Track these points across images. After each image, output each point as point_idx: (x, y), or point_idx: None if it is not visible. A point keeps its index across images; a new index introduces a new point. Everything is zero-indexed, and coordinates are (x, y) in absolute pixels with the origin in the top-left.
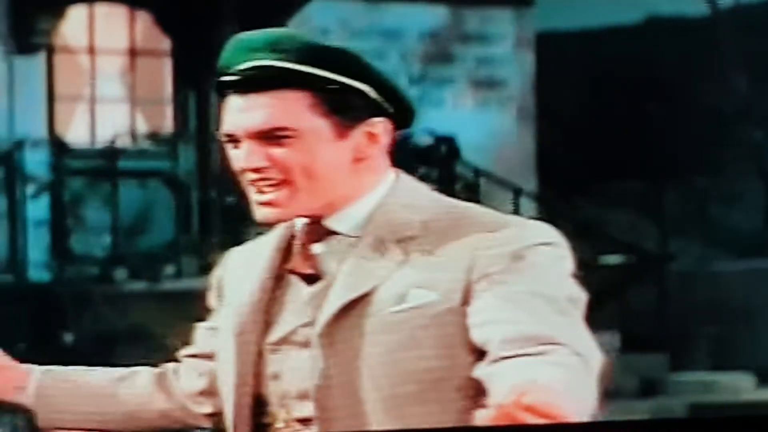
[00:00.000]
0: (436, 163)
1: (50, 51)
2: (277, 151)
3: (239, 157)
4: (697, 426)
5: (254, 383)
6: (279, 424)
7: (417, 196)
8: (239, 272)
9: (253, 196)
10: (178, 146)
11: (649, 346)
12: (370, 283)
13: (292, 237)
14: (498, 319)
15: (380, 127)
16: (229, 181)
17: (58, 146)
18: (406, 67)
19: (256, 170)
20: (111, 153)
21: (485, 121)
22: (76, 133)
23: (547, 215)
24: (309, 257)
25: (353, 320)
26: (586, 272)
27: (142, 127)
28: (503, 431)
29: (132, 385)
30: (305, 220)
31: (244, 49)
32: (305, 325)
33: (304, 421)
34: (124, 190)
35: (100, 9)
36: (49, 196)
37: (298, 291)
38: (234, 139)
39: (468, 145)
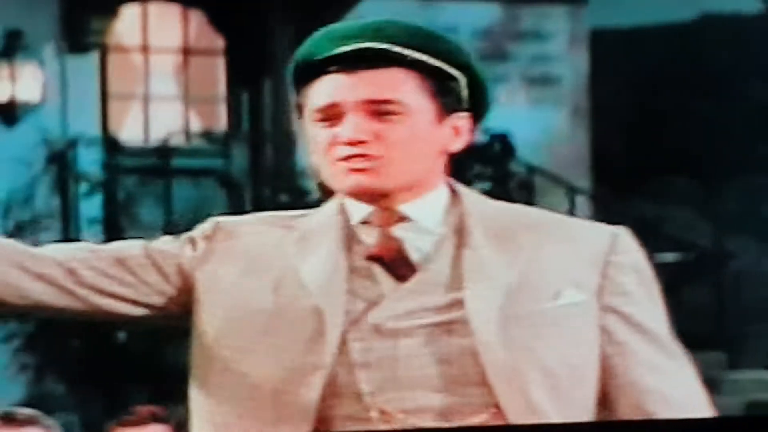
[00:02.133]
0: (490, 161)
1: (103, 50)
2: (382, 126)
3: (338, 131)
4: (754, 424)
5: (330, 371)
6: (372, 414)
7: (485, 198)
8: (252, 244)
9: (342, 165)
10: (232, 144)
11: (705, 345)
12: (512, 276)
13: (347, 224)
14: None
15: (465, 122)
16: (281, 179)
17: (111, 145)
18: None
19: (357, 143)
20: (164, 151)
21: (539, 118)
22: (129, 131)
23: (601, 213)
24: (394, 241)
25: (510, 310)
26: None
27: (196, 125)
28: (503, 431)
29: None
30: (370, 209)
31: (338, 37)
32: (409, 314)
33: (401, 412)
34: (178, 189)
35: (154, 8)
36: (103, 194)
37: (375, 278)
38: (334, 113)
39: (522, 142)
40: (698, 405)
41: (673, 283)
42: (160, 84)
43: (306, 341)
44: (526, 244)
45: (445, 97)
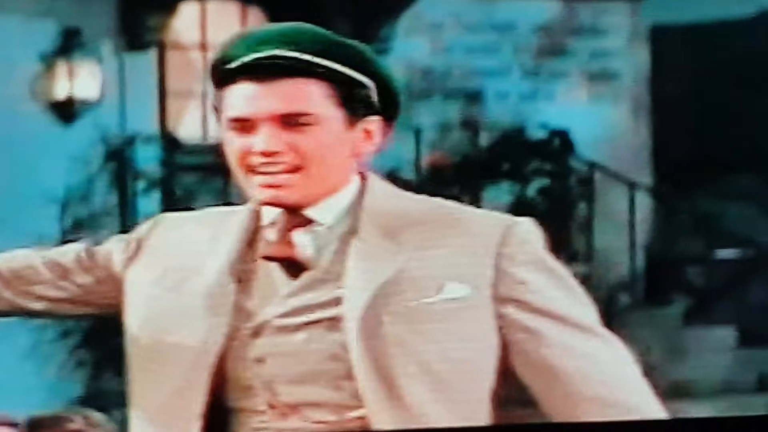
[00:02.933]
0: (549, 157)
1: (161, 47)
2: (295, 137)
3: (252, 141)
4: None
5: (222, 366)
6: (261, 407)
7: (394, 192)
8: (174, 242)
9: (256, 179)
10: None
11: (767, 341)
12: (391, 270)
13: (256, 225)
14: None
15: (376, 125)
16: None
17: (169, 142)
18: (518, 60)
19: (271, 154)
20: (222, 149)
21: (599, 114)
22: (187, 128)
23: (662, 209)
24: (290, 245)
25: (383, 307)
26: (704, 267)
27: None
28: (504, 430)
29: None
30: (279, 210)
31: (253, 41)
32: (296, 311)
33: (294, 406)
34: (236, 186)
35: (212, 5)
36: (161, 191)
37: (271, 277)
38: (247, 125)
39: (582, 138)
40: (627, 383)
41: (734, 280)
42: None
43: (202, 341)
44: (411, 240)
45: (355, 104)
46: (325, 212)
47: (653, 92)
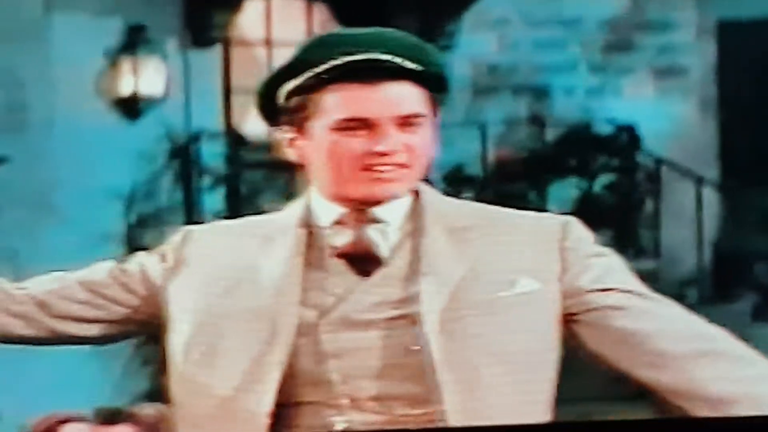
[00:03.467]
0: (616, 153)
1: (226, 44)
2: (408, 137)
3: (369, 142)
4: None
5: (291, 362)
6: (335, 401)
7: (443, 196)
8: (216, 251)
9: (366, 175)
10: None
11: None
12: (464, 268)
13: (311, 225)
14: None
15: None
16: None
17: (234, 139)
18: (585, 56)
19: (389, 154)
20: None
21: (666, 109)
22: (252, 125)
23: (729, 205)
24: (364, 242)
25: (461, 302)
26: None
27: None
28: (504, 430)
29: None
30: (342, 210)
31: (335, 45)
32: (373, 307)
33: (369, 400)
34: (300, 183)
35: (277, 1)
36: (225, 188)
37: (343, 274)
38: (362, 125)
39: (649, 133)
40: (708, 332)
41: None
42: None
43: (264, 342)
44: (476, 240)
45: (435, 105)
46: (391, 212)
47: (720, 87)
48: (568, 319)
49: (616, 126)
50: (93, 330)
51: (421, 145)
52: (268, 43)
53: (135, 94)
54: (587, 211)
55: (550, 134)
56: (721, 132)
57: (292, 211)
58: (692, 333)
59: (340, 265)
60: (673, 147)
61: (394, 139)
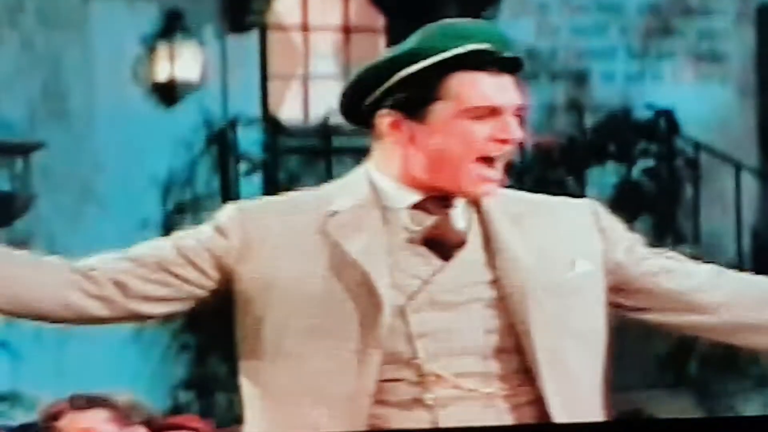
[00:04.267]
0: (655, 138)
1: (264, 29)
2: (520, 128)
3: (494, 129)
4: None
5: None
6: (429, 378)
7: None
8: (285, 229)
9: (480, 170)
10: None
11: None
12: (532, 251)
13: (384, 206)
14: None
15: None
16: None
17: (272, 125)
18: (626, 41)
19: (511, 142)
20: (325, 131)
21: (706, 95)
22: (289, 111)
23: None
24: (449, 227)
25: (537, 284)
26: None
27: None
28: (504, 430)
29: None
30: (419, 195)
31: (454, 35)
32: (455, 289)
33: (451, 377)
34: (338, 168)
35: None
36: (263, 174)
37: (424, 256)
38: (489, 113)
39: (688, 119)
40: (743, 281)
41: None
42: (321, 63)
43: (362, 318)
44: (532, 224)
45: None
46: (458, 199)
47: (760, 73)
48: (614, 292)
49: (656, 111)
50: (160, 308)
51: (522, 137)
52: (305, 28)
53: (172, 80)
54: (626, 197)
55: (590, 120)
56: (761, 117)
57: (357, 188)
58: (730, 282)
59: (421, 248)
60: (713, 132)
61: (517, 129)
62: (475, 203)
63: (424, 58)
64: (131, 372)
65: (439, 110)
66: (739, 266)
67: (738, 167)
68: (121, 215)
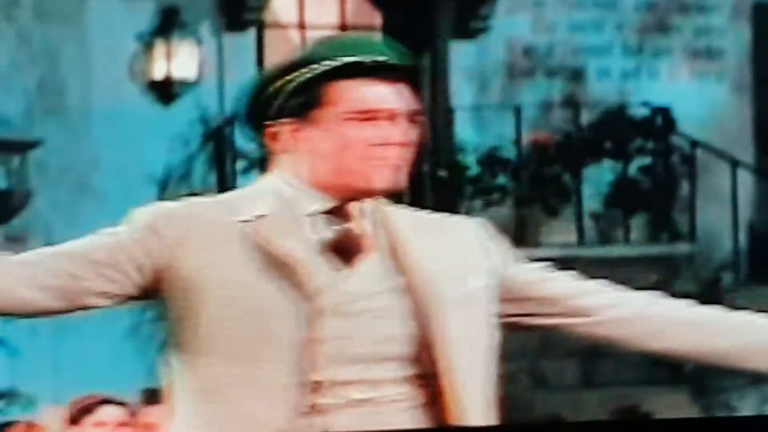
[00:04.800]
0: (652, 135)
1: (260, 27)
2: (412, 132)
3: (385, 133)
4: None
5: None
6: (325, 384)
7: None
8: (213, 226)
9: (377, 163)
10: None
11: None
12: (436, 263)
13: (297, 211)
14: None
15: None
16: (440, 155)
17: None
18: (622, 38)
19: (402, 145)
20: None
21: (702, 92)
22: None
23: (765, 187)
24: (355, 234)
25: (442, 295)
26: None
27: None
28: (504, 430)
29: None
30: (329, 202)
31: (345, 47)
32: (357, 297)
33: (346, 384)
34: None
35: None
36: (260, 171)
37: (329, 263)
38: (377, 117)
39: (684, 116)
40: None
41: None
42: None
43: (300, 318)
44: (431, 238)
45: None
46: (366, 207)
47: (755, 69)
48: (503, 303)
49: (652, 108)
50: (100, 301)
51: (417, 140)
52: (302, 26)
53: (169, 77)
54: (623, 193)
55: (586, 117)
56: (756, 114)
57: (264, 195)
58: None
59: (329, 253)
60: (709, 129)
61: (409, 132)
62: (383, 213)
63: (314, 68)
64: (128, 368)
65: (327, 115)
66: (736, 263)
67: (734, 164)
68: (117, 211)
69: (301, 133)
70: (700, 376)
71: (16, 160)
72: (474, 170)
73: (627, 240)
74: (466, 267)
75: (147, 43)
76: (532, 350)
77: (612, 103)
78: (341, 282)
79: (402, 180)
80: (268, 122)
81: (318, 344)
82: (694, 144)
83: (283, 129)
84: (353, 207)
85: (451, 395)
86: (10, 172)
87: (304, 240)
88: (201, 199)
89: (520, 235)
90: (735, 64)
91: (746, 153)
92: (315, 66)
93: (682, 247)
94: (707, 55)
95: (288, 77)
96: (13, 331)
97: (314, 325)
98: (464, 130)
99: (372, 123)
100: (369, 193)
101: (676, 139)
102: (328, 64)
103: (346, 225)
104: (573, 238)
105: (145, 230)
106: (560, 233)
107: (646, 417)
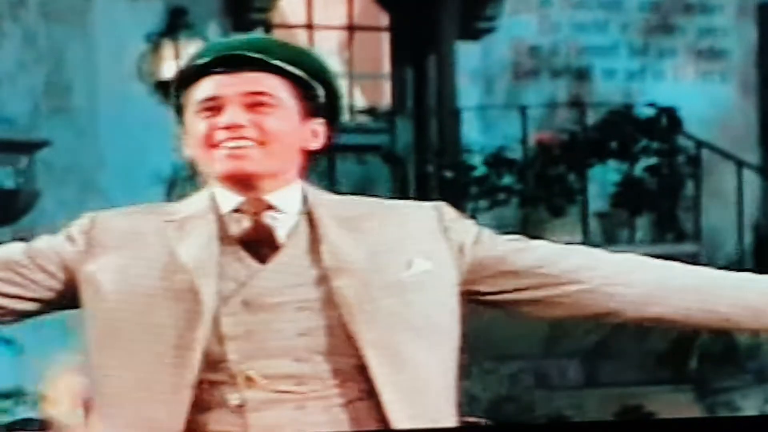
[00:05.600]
0: (657, 135)
1: (268, 28)
2: (258, 117)
3: (220, 118)
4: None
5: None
6: (239, 380)
7: (327, 193)
8: (128, 235)
9: (220, 152)
10: (396, 121)
11: None
12: (364, 253)
13: (215, 212)
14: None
15: (321, 127)
16: (446, 155)
17: None
18: (626, 38)
19: (236, 127)
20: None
21: (707, 92)
22: None
23: None
24: (264, 228)
25: (371, 285)
26: None
27: (360, 102)
28: (503, 430)
29: None
30: (241, 198)
31: (222, 47)
32: (269, 291)
33: (264, 379)
34: (342, 165)
35: None
36: None
37: (242, 259)
38: (215, 105)
39: (690, 116)
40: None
41: None
42: None
43: (185, 319)
44: (369, 228)
45: (308, 102)
46: (285, 201)
47: (761, 70)
48: (471, 283)
49: (657, 109)
50: (11, 304)
51: (276, 126)
52: (310, 26)
53: None
54: (628, 194)
55: (591, 117)
56: (762, 114)
57: (200, 199)
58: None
59: (239, 251)
60: (714, 130)
61: (238, 115)
62: (309, 203)
63: (183, 72)
64: None
65: (188, 115)
66: (740, 263)
67: (739, 164)
68: None
69: (186, 139)
70: (702, 376)
71: (23, 160)
72: (480, 170)
73: (632, 240)
74: (410, 252)
75: (154, 43)
76: (534, 350)
77: (617, 104)
78: (253, 278)
79: (251, 166)
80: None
81: (232, 341)
82: (700, 144)
83: (181, 138)
84: (266, 201)
85: (383, 388)
86: (18, 172)
87: (212, 242)
88: (139, 206)
89: (526, 235)
90: (740, 64)
91: (752, 153)
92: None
93: (688, 247)
94: (712, 56)
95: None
96: (20, 330)
97: (221, 322)
98: (470, 130)
99: (209, 114)
100: (228, 181)
101: (681, 140)
102: (186, 72)
103: (253, 221)
104: (578, 237)
105: (64, 239)
106: (565, 233)
107: (649, 417)
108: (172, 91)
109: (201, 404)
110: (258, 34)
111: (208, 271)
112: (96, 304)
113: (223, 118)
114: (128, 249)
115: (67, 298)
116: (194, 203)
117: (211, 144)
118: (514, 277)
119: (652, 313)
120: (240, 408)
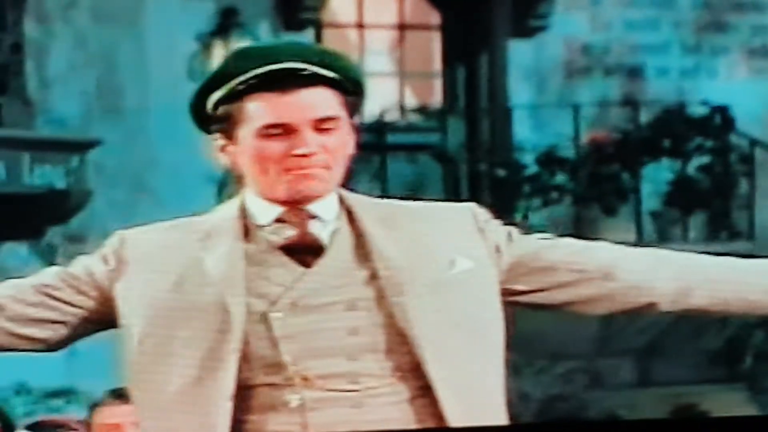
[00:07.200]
0: (710, 134)
1: (318, 27)
2: (325, 139)
3: (290, 144)
4: None
5: (245, 348)
6: (295, 380)
7: (362, 195)
8: (157, 250)
9: (290, 175)
10: (447, 120)
11: None
12: (407, 253)
13: (246, 224)
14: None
15: (354, 126)
16: (497, 153)
17: None
18: (679, 36)
19: (309, 155)
20: (380, 127)
21: (760, 90)
22: None
23: None
24: (308, 235)
25: (416, 283)
26: None
27: (411, 101)
28: (503, 430)
29: None
30: (279, 209)
31: (253, 57)
32: (318, 293)
33: (320, 378)
34: (393, 165)
35: None
36: None
37: (287, 265)
38: (284, 130)
39: (743, 115)
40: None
41: None
42: (376, 60)
43: (217, 331)
44: (408, 227)
45: (348, 107)
46: (325, 208)
47: None
48: (510, 282)
49: (710, 107)
50: (48, 331)
51: (338, 145)
52: (360, 26)
53: None
54: (681, 192)
55: (644, 115)
56: None
57: (228, 211)
58: (591, 249)
59: (282, 257)
60: (767, 128)
61: (312, 142)
62: (346, 209)
63: (225, 83)
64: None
65: (243, 132)
66: None
67: None
68: (175, 211)
69: (229, 150)
70: (757, 375)
71: (75, 160)
72: (532, 169)
73: (685, 238)
74: (451, 252)
75: (205, 43)
76: (588, 349)
77: (670, 102)
78: (299, 281)
79: (320, 188)
80: (211, 136)
81: (284, 343)
82: (753, 142)
83: (216, 145)
84: (307, 210)
85: (437, 385)
86: (69, 172)
87: (240, 251)
88: (170, 221)
89: (578, 234)
90: None
91: None
92: (225, 82)
93: (741, 246)
94: (765, 53)
95: (210, 95)
96: None
97: (272, 326)
98: (522, 128)
99: (277, 137)
100: (295, 202)
101: (734, 138)
102: (235, 81)
103: (296, 229)
104: (632, 236)
105: (97, 259)
106: (619, 232)
107: (702, 416)
108: (196, 96)
109: (261, 407)
110: (287, 38)
111: (236, 282)
112: (130, 320)
113: (300, 147)
114: (157, 264)
115: (105, 318)
116: (221, 215)
117: (283, 169)
118: (549, 273)
119: (688, 304)
120: (300, 408)
